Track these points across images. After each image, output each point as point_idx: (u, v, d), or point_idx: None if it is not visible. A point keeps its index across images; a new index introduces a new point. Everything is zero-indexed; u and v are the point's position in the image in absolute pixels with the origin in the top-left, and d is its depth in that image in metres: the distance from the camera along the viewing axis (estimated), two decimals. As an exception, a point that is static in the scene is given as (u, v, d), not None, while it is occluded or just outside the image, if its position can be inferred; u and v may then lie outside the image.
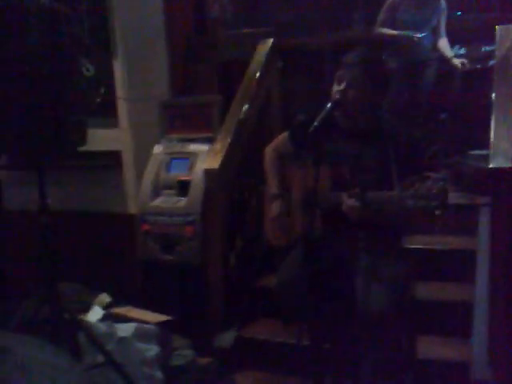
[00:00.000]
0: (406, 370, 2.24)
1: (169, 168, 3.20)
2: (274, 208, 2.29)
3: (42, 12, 2.09)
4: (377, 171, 2.06)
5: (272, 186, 2.34)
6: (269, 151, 2.43)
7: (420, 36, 3.65)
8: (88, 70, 3.47)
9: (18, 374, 1.89)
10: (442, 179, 1.82)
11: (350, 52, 2.12)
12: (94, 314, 2.72)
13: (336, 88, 2.08)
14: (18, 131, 2.13)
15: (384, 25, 3.74)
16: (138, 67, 3.49)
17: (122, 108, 3.46)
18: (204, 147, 3.15)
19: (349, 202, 1.96)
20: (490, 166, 2.33)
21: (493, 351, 2.35)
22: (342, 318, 2.21)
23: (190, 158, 3.15)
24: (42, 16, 2.09)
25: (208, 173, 2.88)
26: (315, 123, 1.93)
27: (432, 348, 2.50)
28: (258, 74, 3.29)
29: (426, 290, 2.66)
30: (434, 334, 2.58)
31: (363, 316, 1.96)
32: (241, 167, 3.06)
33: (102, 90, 3.46)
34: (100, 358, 2.36)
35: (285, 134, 2.39)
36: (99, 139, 3.34)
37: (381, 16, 3.77)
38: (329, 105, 2.02)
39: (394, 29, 3.70)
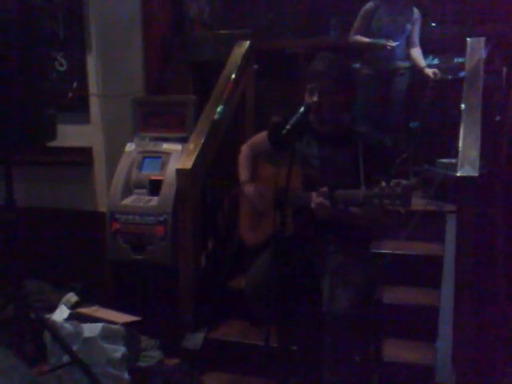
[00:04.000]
0: (372, 373, 2.27)
1: (141, 167, 3.16)
2: (248, 188, 2.33)
3: (16, 4, 2.04)
4: (346, 173, 2.10)
5: (243, 174, 2.38)
6: (245, 148, 2.46)
7: (393, 44, 3.69)
8: (61, 64, 3.43)
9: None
10: (408, 182, 1.85)
11: (316, 62, 2.14)
12: (61, 314, 2.66)
13: (308, 100, 2.10)
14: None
15: (358, 32, 3.78)
16: (112, 63, 3.44)
17: (95, 104, 3.41)
18: (177, 147, 3.14)
19: (317, 199, 1.99)
20: (458, 174, 2.39)
21: (456, 355, 2.40)
22: (310, 320, 2.23)
23: (163, 157, 3.13)
24: (15, 8, 2.04)
25: (180, 173, 2.86)
26: (288, 126, 1.95)
27: (398, 351, 2.54)
28: (233, 76, 3.29)
29: (393, 295, 2.70)
30: (400, 337, 2.62)
31: (329, 318, 1.98)
32: (214, 168, 3.06)
33: (75, 85, 3.40)
34: (66, 358, 2.33)
35: (263, 134, 2.40)
36: (70, 135, 3.30)
37: (356, 23, 3.81)
38: (301, 109, 2.03)
39: (368, 36, 3.75)
